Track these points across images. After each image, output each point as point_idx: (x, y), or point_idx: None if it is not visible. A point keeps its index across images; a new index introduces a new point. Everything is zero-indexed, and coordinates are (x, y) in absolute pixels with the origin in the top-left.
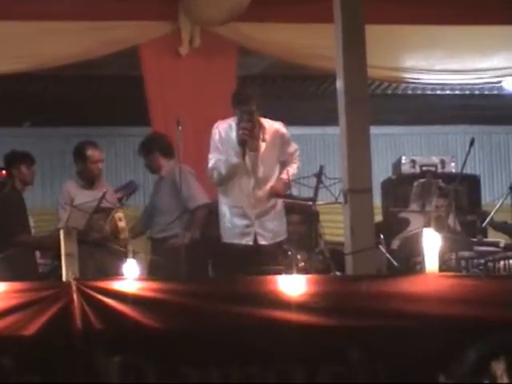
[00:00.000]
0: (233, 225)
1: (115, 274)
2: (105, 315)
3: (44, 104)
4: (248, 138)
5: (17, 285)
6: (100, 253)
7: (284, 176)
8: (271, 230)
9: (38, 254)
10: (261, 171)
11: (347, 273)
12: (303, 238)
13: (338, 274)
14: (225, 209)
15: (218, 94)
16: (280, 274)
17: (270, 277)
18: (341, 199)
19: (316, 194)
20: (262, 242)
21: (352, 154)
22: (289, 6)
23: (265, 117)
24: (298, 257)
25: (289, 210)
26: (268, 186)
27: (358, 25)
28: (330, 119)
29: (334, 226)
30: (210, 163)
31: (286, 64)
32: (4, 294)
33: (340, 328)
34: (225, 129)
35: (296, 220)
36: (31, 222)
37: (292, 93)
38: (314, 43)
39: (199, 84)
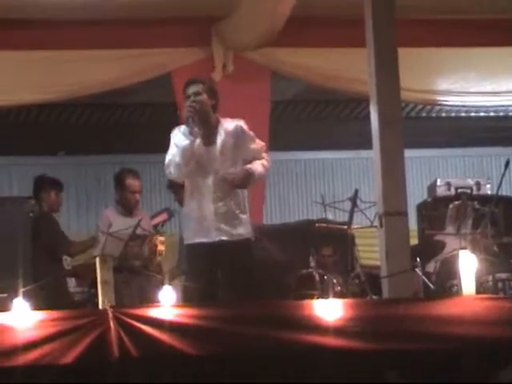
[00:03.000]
0: (193, 224)
1: (152, 300)
2: (142, 342)
3: (78, 132)
4: (193, 116)
5: (54, 313)
6: (137, 280)
7: (247, 166)
8: (233, 225)
9: (74, 281)
10: (219, 164)
11: (383, 296)
12: (339, 262)
13: (374, 297)
14: (187, 211)
15: (251, 119)
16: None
17: (306, 301)
18: (376, 223)
19: (351, 217)
20: (223, 237)
21: (387, 178)
22: (321, 30)
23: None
24: (334, 281)
25: (325, 234)
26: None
27: (391, 48)
28: (364, 143)
29: (370, 250)
30: (166, 161)
31: (319, 88)
32: (41, 322)
33: (377, 352)
34: (181, 129)
35: (332, 245)
36: None
37: (325, 117)
38: (347, 67)
39: (233, 109)
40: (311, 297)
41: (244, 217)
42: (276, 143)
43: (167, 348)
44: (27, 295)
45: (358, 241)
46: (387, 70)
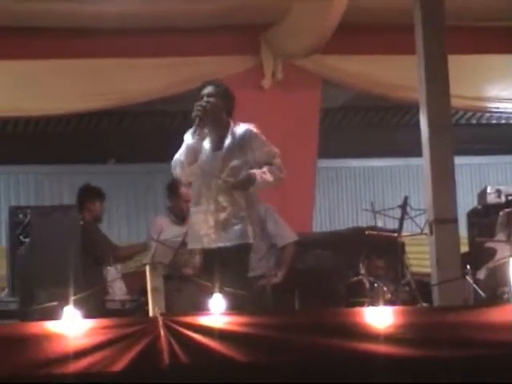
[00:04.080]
0: (197, 229)
1: (202, 308)
2: (192, 350)
3: (128, 140)
4: (201, 115)
5: (104, 321)
6: (187, 288)
7: (251, 170)
8: (234, 231)
9: (124, 289)
10: (224, 169)
11: (434, 304)
12: (389, 269)
13: (424, 305)
14: (193, 216)
15: (302, 126)
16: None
17: (356, 309)
18: (426, 230)
19: (401, 225)
20: (222, 244)
21: (437, 185)
22: (371, 37)
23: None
24: (385, 289)
25: (375, 242)
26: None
27: (441, 55)
28: (414, 150)
29: (420, 257)
30: (173, 160)
31: (369, 95)
32: (92, 330)
33: (428, 359)
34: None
35: (383, 257)
36: None
37: (375, 124)
38: (397, 74)
39: (283, 117)
40: (361, 304)
41: (241, 226)
42: (326, 150)
43: (217, 356)
44: (78, 303)
45: (408, 248)
46: (437, 77)
